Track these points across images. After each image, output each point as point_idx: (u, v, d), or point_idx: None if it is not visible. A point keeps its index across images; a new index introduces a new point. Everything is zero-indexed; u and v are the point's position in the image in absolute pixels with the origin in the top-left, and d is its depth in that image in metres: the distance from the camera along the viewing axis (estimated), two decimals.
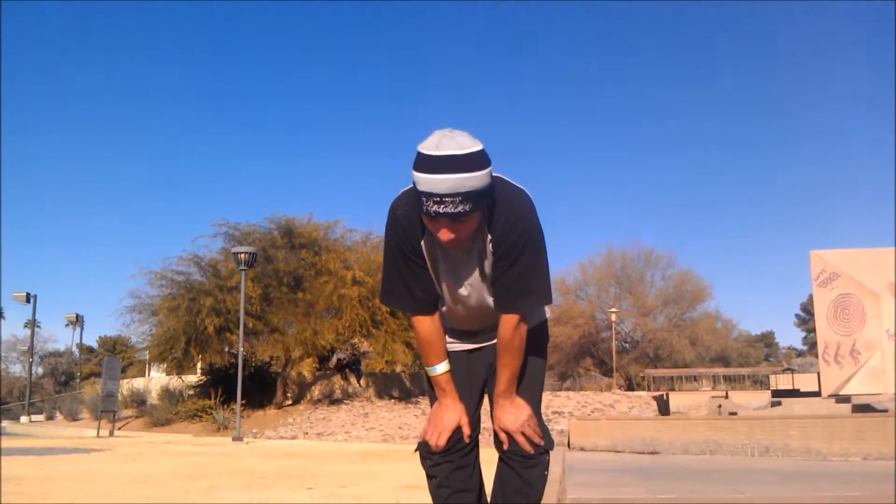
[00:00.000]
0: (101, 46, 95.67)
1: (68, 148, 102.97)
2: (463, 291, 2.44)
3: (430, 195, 2.10)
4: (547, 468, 2.51)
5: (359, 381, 26.89)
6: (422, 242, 2.36)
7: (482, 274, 2.39)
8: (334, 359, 27.10)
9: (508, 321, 2.35)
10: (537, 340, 2.60)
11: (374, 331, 23.15)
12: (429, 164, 2.09)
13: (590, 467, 8.57)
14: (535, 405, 2.53)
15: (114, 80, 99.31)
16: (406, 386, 28.12)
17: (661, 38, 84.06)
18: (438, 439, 2.46)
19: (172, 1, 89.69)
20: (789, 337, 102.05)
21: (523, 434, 2.42)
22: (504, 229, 2.27)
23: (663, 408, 20.84)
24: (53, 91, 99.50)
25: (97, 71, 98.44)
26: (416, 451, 2.57)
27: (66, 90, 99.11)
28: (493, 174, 2.30)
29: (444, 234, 2.17)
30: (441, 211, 2.10)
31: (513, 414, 2.44)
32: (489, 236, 2.30)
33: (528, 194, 2.35)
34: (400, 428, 19.32)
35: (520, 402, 2.46)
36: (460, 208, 2.10)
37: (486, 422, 2.48)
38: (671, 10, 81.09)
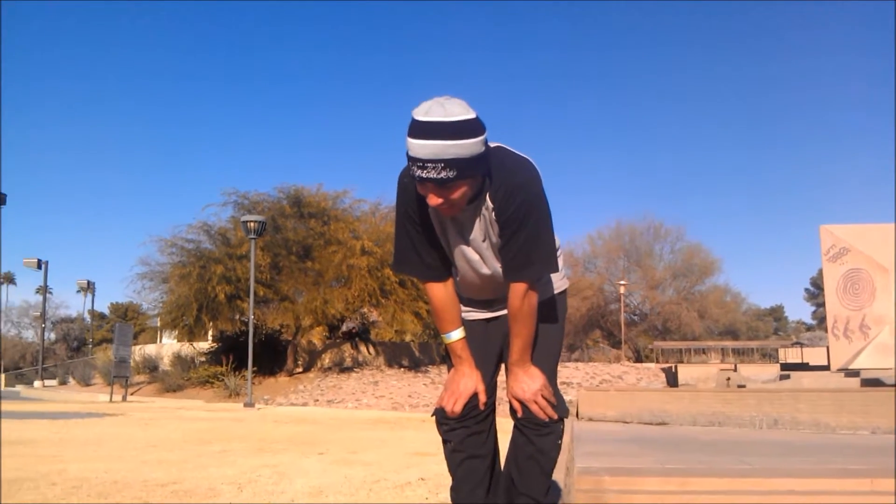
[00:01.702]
0: (117, 14, 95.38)
1: (80, 116, 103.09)
2: (473, 258, 2.45)
3: (414, 160, 2.12)
4: (561, 437, 2.53)
5: (368, 349, 27.03)
6: (429, 210, 2.38)
7: (490, 243, 2.40)
8: (344, 327, 27.23)
9: (516, 290, 2.37)
10: (554, 311, 2.62)
11: (383, 300, 23.22)
12: (416, 129, 2.11)
13: (598, 437, 8.62)
14: (551, 374, 2.55)
15: (127, 49, 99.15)
16: (415, 355, 28.24)
17: (672, 15, 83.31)
18: (455, 406, 2.49)
19: None
20: (799, 311, 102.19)
21: (536, 403, 2.45)
22: (505, 198, 2.28)
23: (672, 380, 20.86)
24: (67, 57, 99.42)
25: (110, 40, 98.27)
26: (432, 415, 2.60)
27: (79, 57, 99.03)
28: (496, 144, 2.32)
29: (432, 200, 2.19)
30: (424, 176, 2.13)
31: (526, 383, 2.46)
32: (491, 205, 2.31)
33: (531, 163, 2.36)
34: (409, 396, 19.44)
35: (534, 370, 2.48)
36: (443, 174, 2.11)
37: (501, 391, 2.51)
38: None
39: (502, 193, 2.28)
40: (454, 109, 2.12)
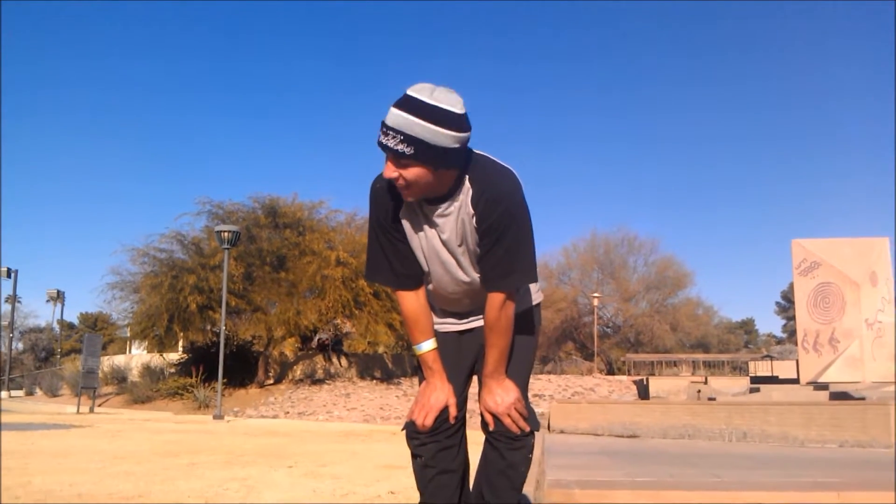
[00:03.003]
0: (87, 26, 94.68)
1: (51, 124, 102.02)
2: (448, 261, 2.43)
3: (382, 125, 2.15)
4: (532, 451, 2.51)
5: (340, 361, 26.91)
6: (400, 215, 2.37)
7: (467, 249, 2.39)
8: (317, 339, 27.11)
9: (494, 300, 2.35)
10: (527, 324, 2.61)
11: (356, 312, 23.17)
12: (398, 101, 2.15)
13: (569, 450, 8.62)
14: (523, 388, 2.53)
15: (99, 59, 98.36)
16: (388, 367, 28.15)
17: (651, 29, 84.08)
18: (425, 419, 2.46)
19: None
20: (769, 324, 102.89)
21: (510, 416, 2.43)
22: (487, 206, 2.26)
23: (643, 392, 20.92)
24: (37, 69, 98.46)
25: (82, 51, 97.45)
26: (402, 430, 2.57)
27: (50, 68, 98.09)
28: (479, 153, 2.32)
29: (386, 170, 2.19)
30: (382, 142, 2.15)
31: (500, 395, 2.43)
32: (472, 212, 2.30)
33: (514, 173, 2.35)
34: (381, 409, 19.36)
35: (508, 383, 2.46)
36: (399, 147, 2.12)
37: (473, 403, 2.49)
38: (662, 4, 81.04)
39: (484, 201, 2.26)
40: (441, 97, 2.14)
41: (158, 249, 23.97)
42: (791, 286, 19.75)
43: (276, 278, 23.52)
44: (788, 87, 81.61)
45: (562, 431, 12.37)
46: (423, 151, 2.13)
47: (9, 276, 38.21)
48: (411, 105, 2.12)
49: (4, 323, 56.36)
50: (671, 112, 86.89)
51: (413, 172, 2.17)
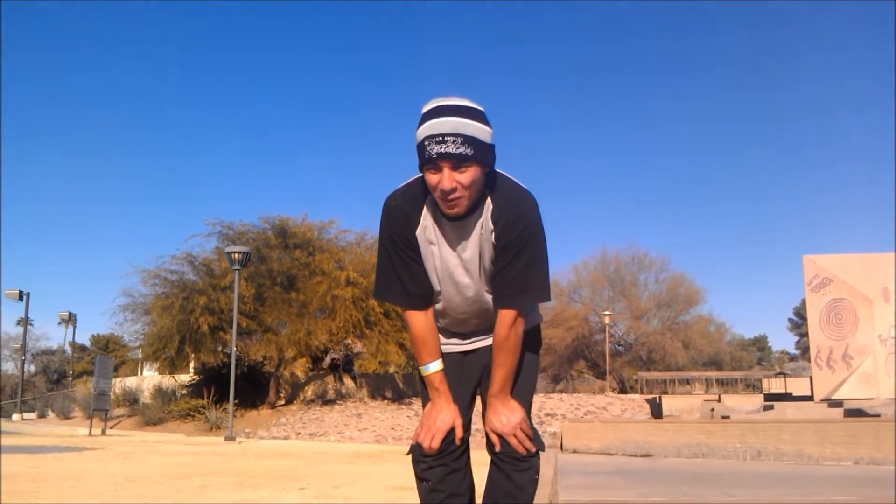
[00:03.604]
0: (95, 45, 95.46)
1: (62, 146, 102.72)
2: (462, 281, 2.41)
3: (432, 137, 2.14)
4: (538, 472, 2.48)
5: (353, 380, 26.86)
6: (416, 234, 2.37)
7: (480, 268, 2.38)
8: (328, 359, 27.07)
9: (505, 318, 2.35)
10: (531, 344, 2.59)
11: (367, 332, 23.14)
12: (433, 112, 2.17)
13: (582, 469, 8.57)
14: (528, 408, 2.52)
15: (108, 79, 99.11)
16: (399, 387, 28.09)
17: (656, 41, 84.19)
18: (432, 441, 2.43)
19: (167, 0, 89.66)
20: (782, 341, 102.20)
21: (515, 437, 2.41)
22: (508, 222, 2.28)
23: (656, 411, 20.82)
24: (47, 89, 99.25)
25: (91, 69, 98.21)
26: (408, 453, 2.55)
27: (61, 88, 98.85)
28: (498, 171, 2.37)
29: (447, 182, 2.17)
30: (443, 151, 2.14)
31: (506, 416, 2.41)
32: (492, 228, 2.30)
33: (532, 195, 2.38)
34: (393, 429, 19.31)
35: (513, 404, 2.44)
36: (462, 150, 2.13)
37: (478, 423, 2.47)
38: (665, 12, 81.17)
39: (505, 218, 2.28)
40: (463, 100, 2.21)
41: (169, 271, 24.04)
42: (803, 302, 19.65)
43: (286, 299, 23.54)
44: (800, 99, 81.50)
45: (574, 451, 12.31)
46: (479, 149, 2.17)
47: (20, 298, 38.34)
48: (452, 110, 2.15)
49: (16, 345, 56.59)
50: (680, 127, 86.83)
51: (470, 176, 2.18)
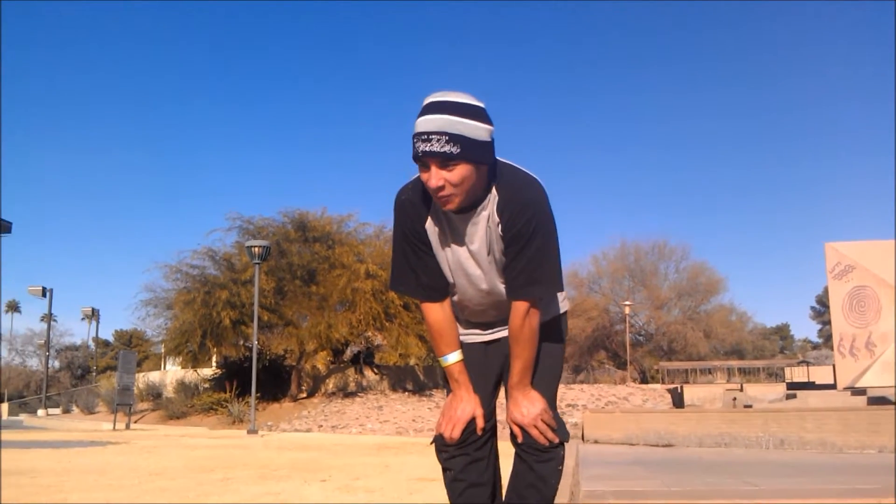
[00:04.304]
0: (115, 41, 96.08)
1: (84, 143, 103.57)
2: (473, 273, 2.41)
3: (419, 135, 2.13)
4: (562, 462, 2.48)
5: (372, 373, 26.94)
6: (426, 227, 2.37)
7: (493, 258, 2.38)
8: (348, 352, 27.15)
9: (518, 309, 2.34)
10: (554, 333, 2.58)
11: (387, 324, 23.18)
12: (425, 108, 2.15)
13: (604, 460, 8.56)
14: (551, 398, 2.50)
15: (130, 75, 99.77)
16: (420, 379, 28.14)
17: (671, 33, 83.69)
18: (453, 431, 2.44)
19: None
20: (804, 329, 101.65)
21: (536, 427, 2.41)
22: (513, 215, 2.26)
23: (677, 400, 20.79)
24: (70, 86, 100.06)
25: (113, 66, 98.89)
26: (431, 443, 2.56)
27: (83, 85, 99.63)
28: (505, 161, 2.34)
29: (433, 180, 2.16)
30: (427, 150, 2.12)
31: (526, 407, 2.40)
32: (498, 220, 2.30)
33: (539, 182, 2.35)
34: (414, 421, 19.36)
35: (534, 394, 2.43)
36: (446, 148, 2.10)
37: (501, 414, 2.46)
38: (681, 6, 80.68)
39: (510, 209, 2.26)
40: (462, 95, 2.17)
41: (191, 266, 24.18)
42: (826, 290, 19.52)
43: (306, 292, 23.62)
44: (822, 87, 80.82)
45: (596, 441, 12.30)
46: (468, 147, 2.13)
47: (44, 295, 38.68)
48: (443, 107, 2.13)
49: (41, 341, 57.14)
50: (701, 116, 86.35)
51: (459, 173, 2.16)
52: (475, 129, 2.13)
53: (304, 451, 11.56)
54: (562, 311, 2.66)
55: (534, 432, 2.39)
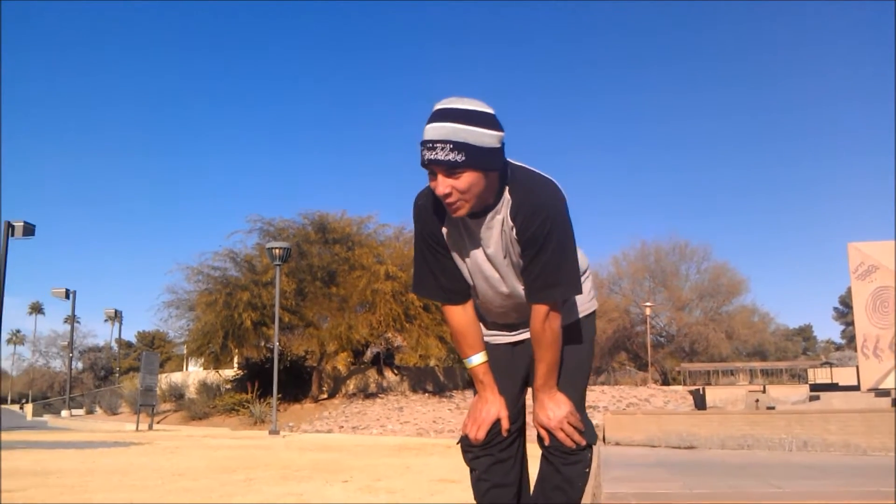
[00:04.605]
0: (140, 45, 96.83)
1: (106, 146, 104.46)
2: (492, 276, 2.40)
3: (425, 143, 2.12)
4: (589, 465, 2.47)
5: (392, 374, 26.98)
6: (443, 232, 2.37)
7: (511, 261, 2.37)
8: (368, 353, 27.20)
9: (537, 313, 2.32)
10: (581, 333, 2.57)
11: (407, 325, 23.21)
12: (432, 116, 2.14)
13: (625, 462, 8.53)
14: (578, 400, 2.49)
15: (151, 79, 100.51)
16: (440, 380, 28.15)
17: (696, 33, 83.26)
18: (477, 433, 2.44)
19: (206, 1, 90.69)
20: (827, 330, 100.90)
21: (563, 430, 2.39)
22: (525, 218, 2.24)
23: (699, 402, 20.67)
24: (92, 90, 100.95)
25: (136, 70, 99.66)
26: (457, 443, 2.56)
27: (105, 89, 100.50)
28: (519, 164, 2.32)
29: (439, 187, 2.15)
30: (432, 158, 2.11)
31: (552, 410, 2.39)
32: (511, 224, 2.28)
33: (554, 183, 2.32)
34: (434, 422, 19.36)
35: (560, 397, 2.42)
36: (451, 156, 2.09)
37: (528, 417, 2.46)
38: (701, 5, 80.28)
39: (523, 213, 2.24)
40: (470, 102, 2.15)
41: (212, 267, 24.34)
42: (849, 290, 19.36)
43: (327, 293, 23.70)
44: (845, 86, 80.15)
45: (617, 443, 12.25)
46: (473, 155, 2.11)
47: (67, 297, 39.04)
48: (448, 114, 2.12)
49: (64, 343, 57.62)
50: (722, 115, 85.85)
51: (465, 181, 2.15)
52: (481, 136, 2.11)
53: (326, 451, 11.60)
54: (589, 311, 2.65)
55: (560, 435, 2.38)
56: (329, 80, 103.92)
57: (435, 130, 2.11)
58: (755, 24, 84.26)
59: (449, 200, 2.18)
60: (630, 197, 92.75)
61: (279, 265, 19.66)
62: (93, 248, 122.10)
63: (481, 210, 2.27)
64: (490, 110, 2.16)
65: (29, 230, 24.81)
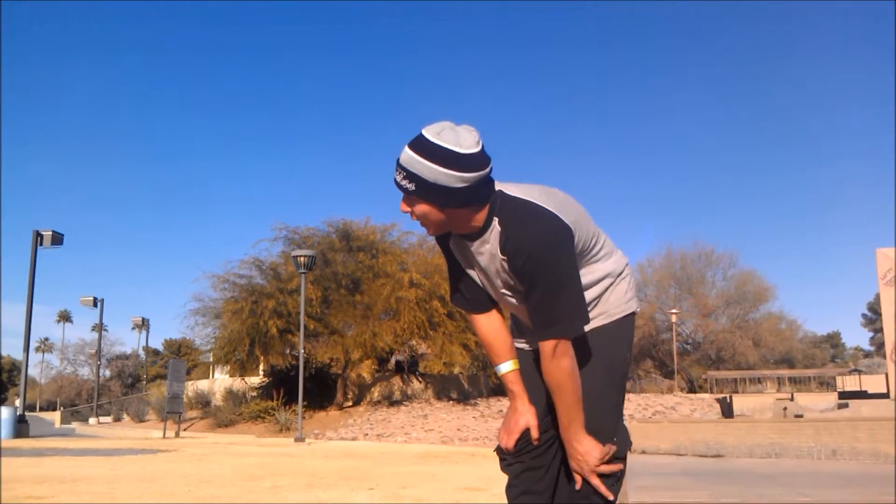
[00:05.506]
0: (162, 52, 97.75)
1: (132, 155, 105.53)
2: (499, 289, 2.38)
3: (396, 162, 2.16)
4: (620, 479, 2.40)
5: (417, 382, 26.99)
6: (451, 245, 2.38)
7: (509, 286, 2.34)
8: (392, 360, 27.24)
9: (544, 350, 2.24)
10: (615, 335, 2.48)
11: (431, 333, 23.21)
12: (412, 138, 2.16)
13: (651, 470, 8.49)
14: (608, 432, 2.38)
15: (178, 86, 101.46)
16: (464, 388, 28.12)
17: (715, 40, 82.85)
18: (508, 442, 2.43)
19: (225, 1, 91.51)
20: (856, 337, 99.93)
21: (594, 480, 2.31)
22: (512, 252, 2.19)
23: (727, 410, 20.47)
24: (119, 98, 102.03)
25: (160, 77, 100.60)
26: (495, 450, 2.56)
27: (133, 96, 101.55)
28: (513, 195, 2.24)
29: (401, 206, 2.21)
30: (394, 178, 2.17)
31: (581, 456, 2.31)
32: (501, 256, 2.24)
33: (552, 218, 2.19)
34: (459, 430, 19.34)
35: (587, 442, 2.31)
36: (403, 183, 2.13)
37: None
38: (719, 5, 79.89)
39: (510, 246, 2.19)
40: (447, 136, 2.10)
41: (238, 275, 24.50)
42: (877, 297, 19.12)
43: (351, 301, 23.78)
44: (871, 90, 79.40)
45: (643, 452, 12.18)
46: (423, 189, 2.12)
47: (95, 305, 39.42)
48: (417, 144, 2.12)
49: (92, 351, 58.18)
50: (747, 120, 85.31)
51: (420, 209, 2.18)
52: (435, 174, 2.08)
53: (351, 459, 11.62)
54: (626, 312, 2.51)
55: (594, 482, 2.31)
56: (354, 87, 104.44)
57: (403, 154, 2.13)
58: (786, 25, 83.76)
59: (413, 219, 2.23)
60: (654, 202, 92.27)
61: (304, 273, 19.74)
62: (120, 257, 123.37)
63: (468, 235, 2.27)
64: (464, 150, 2.09)
65: (57, 239, 25.10)
